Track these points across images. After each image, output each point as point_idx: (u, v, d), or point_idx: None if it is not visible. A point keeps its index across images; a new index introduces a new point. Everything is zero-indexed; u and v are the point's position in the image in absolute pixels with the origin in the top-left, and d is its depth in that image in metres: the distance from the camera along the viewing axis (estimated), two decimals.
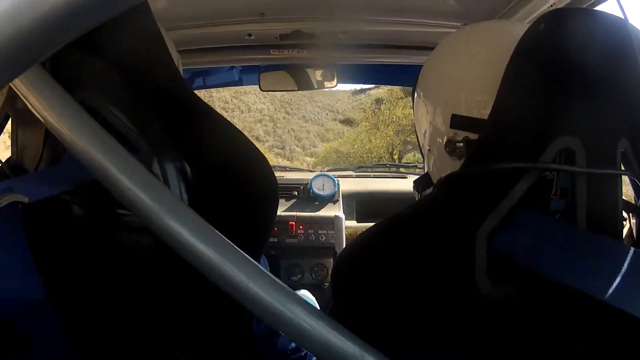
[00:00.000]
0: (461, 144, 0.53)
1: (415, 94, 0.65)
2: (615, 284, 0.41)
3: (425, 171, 0.65)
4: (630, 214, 0.53)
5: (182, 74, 0.65)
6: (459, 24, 1.16)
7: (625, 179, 0.48)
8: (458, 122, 0.54)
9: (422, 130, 0.64)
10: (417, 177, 0.77)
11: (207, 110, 0.56)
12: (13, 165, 0.53)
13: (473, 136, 0.53)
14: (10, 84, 0.43)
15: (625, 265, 0.42)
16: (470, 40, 0.59)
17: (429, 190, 0.63)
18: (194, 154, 0.52)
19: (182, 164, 0.51)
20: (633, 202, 0.55)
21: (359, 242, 0.54)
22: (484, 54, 0.54)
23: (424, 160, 0.66)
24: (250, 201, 0.56)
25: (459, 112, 0.54)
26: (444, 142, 0.55)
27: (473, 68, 0.55)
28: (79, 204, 0.48)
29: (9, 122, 0.54)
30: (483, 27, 0.62)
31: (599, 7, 0.87)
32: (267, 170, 0.59)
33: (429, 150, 0.62)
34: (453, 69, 0.57)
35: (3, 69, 0.22)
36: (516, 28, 0.53)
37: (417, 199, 0.66)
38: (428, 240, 0.48)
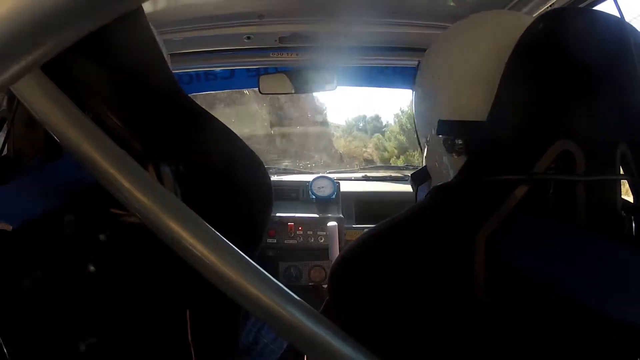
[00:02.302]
0: (460, 141, 0.52)
1: (415, 87, 0.63)
2: (616, 292, 0.41)
3: (424, 164, 0.64)
4: (630, 216, 0.53)
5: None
6: None
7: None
8: (450, 125, 0.53)
9: (420, 125, 0.63)
10: None
11: (203, 113, 0.56)
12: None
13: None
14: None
15: (626, 269, 0.42)
16: (474, 30, 0.57)
17: (425, 192, 0.61)
18: (190, 157, 0.52)
19: (178, 167, 0.50)
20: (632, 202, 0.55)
21: (356, 245, 0.54)
22: (488, 44, 0.52)
23: (422, 155, 0.65)
24: (245, 203, 0.56)
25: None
26: (442, 139, 0.54)
27: (474, 59, 0.53)
28: (65, 226, 0.48)
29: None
30: (488, 17, 0.59)
31: (597, 7, 0.87)
32: (262, 172, 0.59)
33: (426, 142, 0.61)
34: (454, 59, 0.55)
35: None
36: (522, 19, 0.52)
37: (413, 190, 0.65)
38: (425, 245, 0.48)
